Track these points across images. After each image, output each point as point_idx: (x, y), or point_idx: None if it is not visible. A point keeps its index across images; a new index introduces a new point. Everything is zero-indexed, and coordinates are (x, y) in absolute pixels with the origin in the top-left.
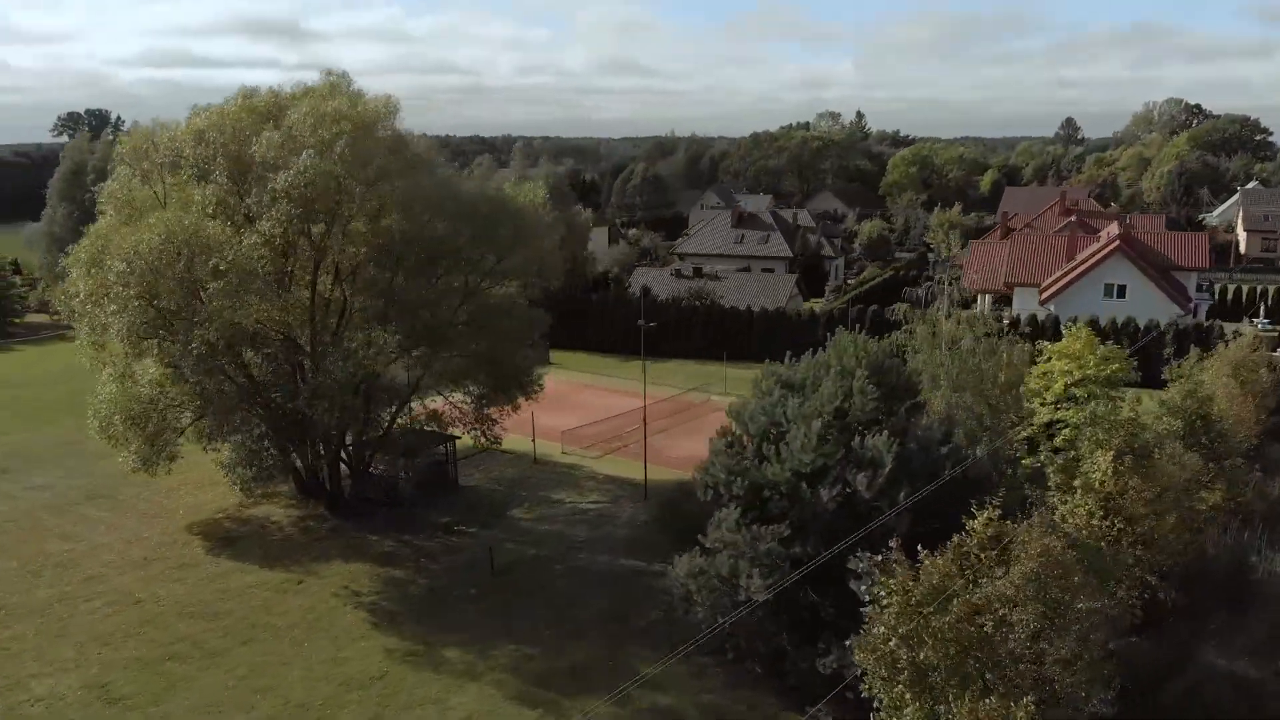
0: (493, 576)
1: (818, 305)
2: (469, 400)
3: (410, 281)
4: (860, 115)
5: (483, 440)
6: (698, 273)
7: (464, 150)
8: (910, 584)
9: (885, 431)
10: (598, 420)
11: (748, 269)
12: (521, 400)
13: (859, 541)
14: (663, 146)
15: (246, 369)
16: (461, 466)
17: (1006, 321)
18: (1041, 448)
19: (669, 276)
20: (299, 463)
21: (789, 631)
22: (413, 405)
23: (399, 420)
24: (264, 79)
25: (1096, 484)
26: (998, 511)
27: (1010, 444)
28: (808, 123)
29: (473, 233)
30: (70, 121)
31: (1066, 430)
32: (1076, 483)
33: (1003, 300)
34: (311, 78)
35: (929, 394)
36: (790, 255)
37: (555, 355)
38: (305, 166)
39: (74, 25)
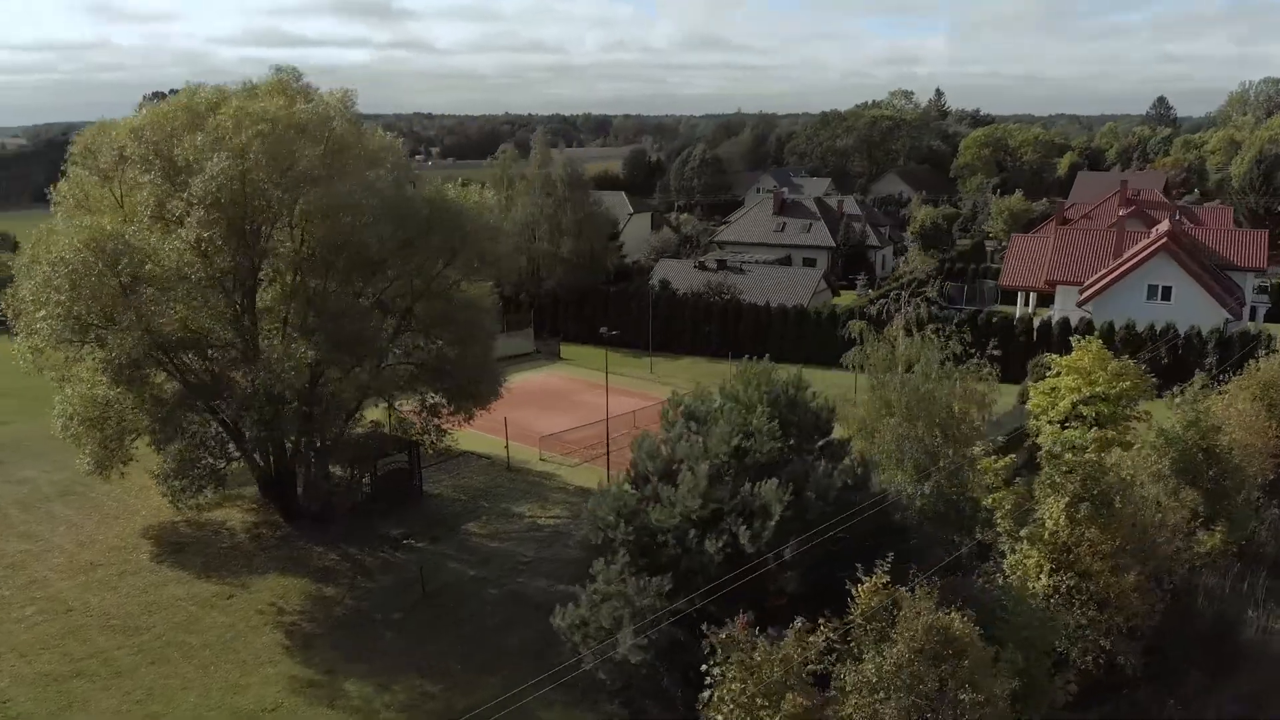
0: (422, 599)
1: (851, 300)
2: (420, 409)
3: (342, 289)
4: (939, 93)
5: (430, 448)
6: (721, 265)
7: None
8: (749, 668)
9: (780, 477)
10: (589, 423)
11: (787, 259)
12: (476, 411)
13: (745, 599)
14: (729, 126)
15: (184, 375)
16: (431, 473)
17: (1037, 323)
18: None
19: (691, 268)
20: (261, 465)
21: (682, 689)
22: (362, 413)
23: (357, 427)
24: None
25: (1045, 534)
26: (886, 577)
27: (969, 478)
28: (879, 101)
29: (407, 237)
30: (155, 100)
31: (1070, 453)
32: (1023, 531)
33: (1047, 300)
34: (401, 56)
35: (882, 422)
36: (833, 245)
37: (567, 350)
38: (215, 172)
39: (177, 5)
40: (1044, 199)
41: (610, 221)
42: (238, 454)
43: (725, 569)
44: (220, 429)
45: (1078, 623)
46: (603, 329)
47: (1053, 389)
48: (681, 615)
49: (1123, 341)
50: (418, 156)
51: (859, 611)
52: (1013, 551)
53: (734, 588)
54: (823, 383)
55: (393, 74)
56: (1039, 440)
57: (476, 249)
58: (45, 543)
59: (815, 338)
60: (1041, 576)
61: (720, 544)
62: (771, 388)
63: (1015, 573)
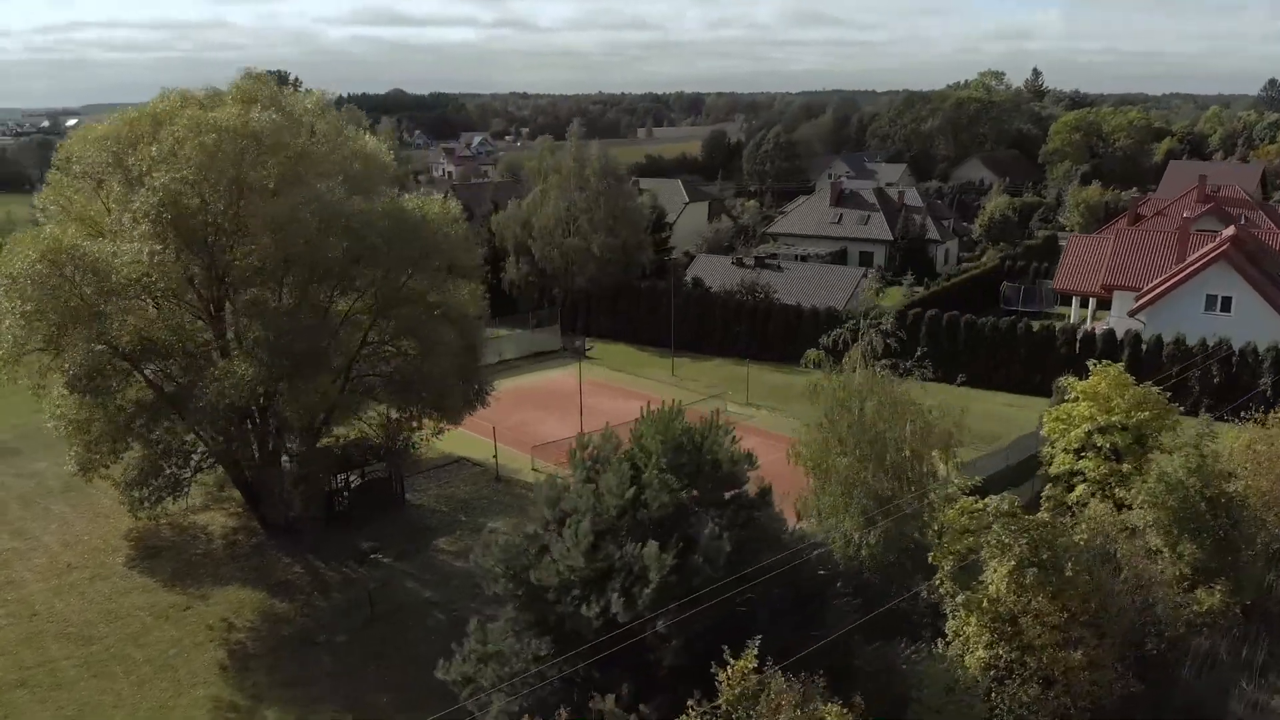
0: (370, 622)
1: (896, 299)
2: (385, 423)
3: (298, 304)
4: (1036, 73)
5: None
6: (759, 262)
7: (636, 109)
8: None
9: (674, 536)
10: (597, 429)
11: (842, 253)
12: (447, 425)
13: (628, 668)
14: (810, 108)
15: (152, 384)
16: (419, 481)
17: (1080, 335)
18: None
19: (729, 265)
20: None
21: None
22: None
23: (344, 437)
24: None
25: (984, 602)
26: (754, 660)
27: (929, 525)
28: (969, 81)
29: (358, 251)
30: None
31: (1082, 486)
32: (959, 599)
33: (1104, 307)
34: (504, 35)
35: (833, 460)
36: (890, 238)
37: (598, 349)
38: (158, 185)
39: None
40: (1134, 189)
41: (646, 216)
42: (208, 463)
43: (605, 634)
44: (195, 438)
45: (1019, 702)
46: (578, 341)
47: (1065, 416)
48: (565, 680)
49: (1170, 357)
50: (508, 137)
51: (724, 699)
52: (954, 616)
53: (614, 654)
54: None
55: (495, 53)
56: (1050, 470)
57: (445, 259)
58: (34, 541)
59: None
60: (978, 648)
61: (599, 608)
62: (669, 434)
63: (955, 641)
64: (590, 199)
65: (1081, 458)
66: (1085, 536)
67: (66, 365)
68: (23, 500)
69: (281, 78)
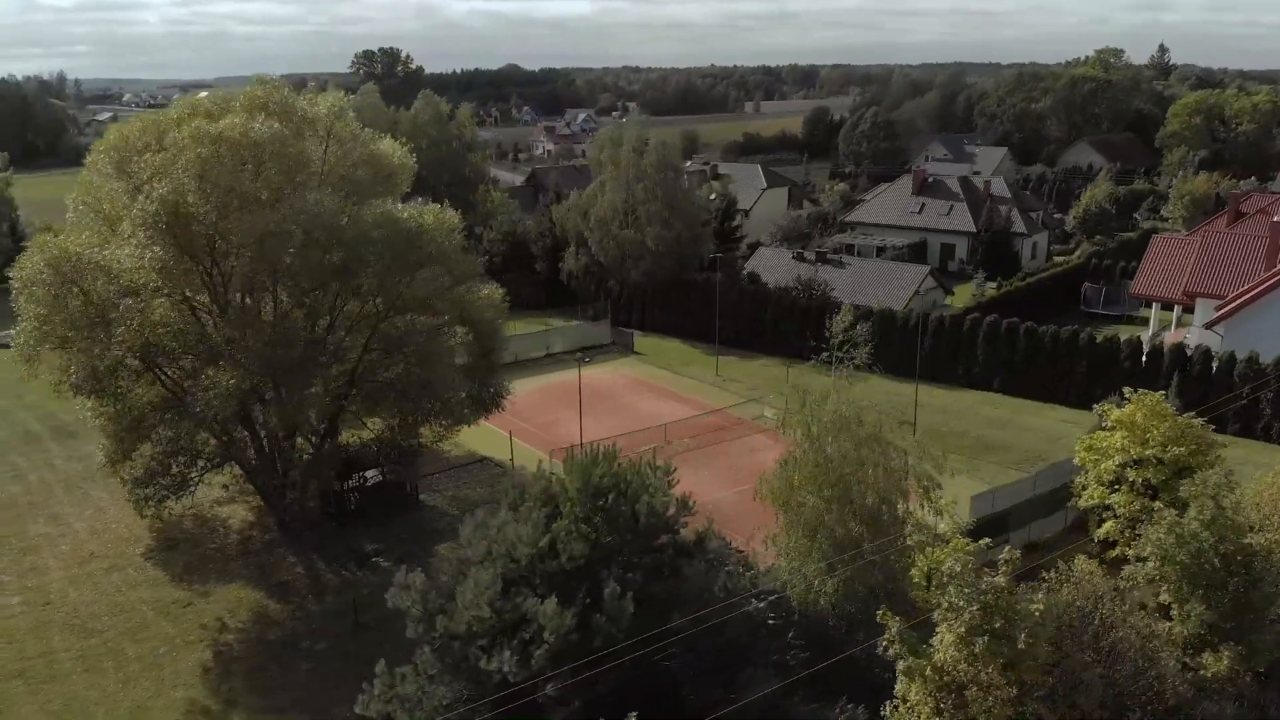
0: (353, 631)
1: (966, 299)
2: (382, 431)
3: (289, 313)
4: (1162, 49)
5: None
6: (820, 257)
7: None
8: None
9: (581, 591)
10: (623, 432)
11: (922, 244)
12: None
13: None
14: (917, 85)
15: (166, 385)
16: (437, 480)
17: (1147, 348)
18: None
19: (789, 259)
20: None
21: None
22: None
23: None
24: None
25: (928, 670)
26: None
27: (899, 572)
28: (1086, 58)
29: (353, 261)
30: (365, 59)
31: (1111, 523)
32: (900, 666)
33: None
34: (618, 8)
35: (801, 501)
36: (973, 230)
37: (643, 343)
38: (155, 196)
39: None
40: (1251, 179)
41: (705, 207)
42: (216, 462)
43: (505, 689)
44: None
45: None
46: (578, 354)
47: (1097, 446)
48: None
49: (1241, 376)
50: (614, 113)
51: None
52: (900, 680)
53: (519, 709)
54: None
55: (610, 26)
56: (1079, 503)
57: (443, 269)
58: (65, 527)
59: (898, 346)
60: (922, 718)
61: (494, 664)
62: (593, 480)
63: (901, 707)
64: (647, 190)
65: (1115, 490)
66: (1056, 601)
67: (70, 368)
68: (66, 484)
69: (393, 56)
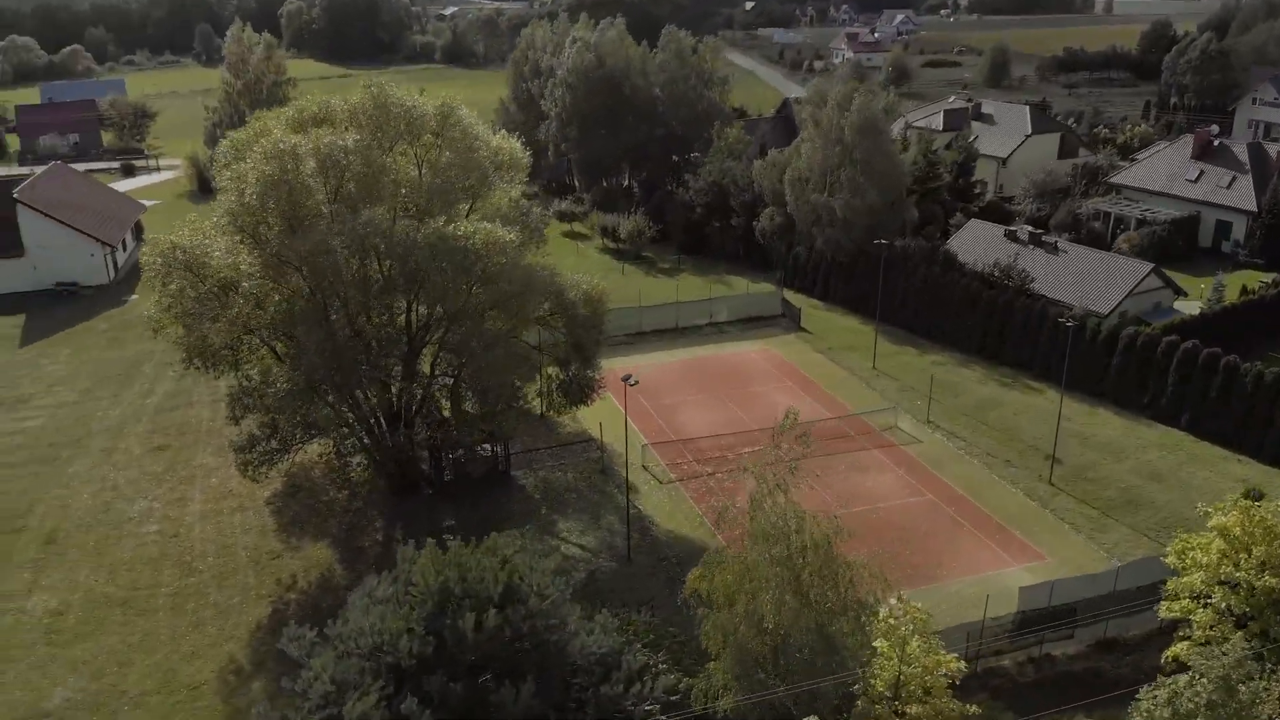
0: None
1: (1201, 303)
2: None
3: (351, 317)
4: None
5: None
6: (1034, 239)
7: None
8: None
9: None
10: (734, 430)
11: (1195, 217)
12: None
13: None
14: (1273, 6)
15: (279, 358)
16: (541, 456)
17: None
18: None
19: (1000, 235)
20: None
21: None
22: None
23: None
24: None
25: None
26: None
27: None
28: None
29: (407, 274)
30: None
31: (1183, 644)
32: None
33: None
34: None
35: (726, 599)
36: (1254, 210)
37: (813, 318)
38: (221, 210)
39: None
40: None
41: (907, 173)
42: (312, 435)
43: None
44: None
45: None
46: (624, 376)
47: (1186, 549)
48: None
49: None
50: (943, 11)
51: None
52: None
53: None
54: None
55: None
56: (1160, 611)
57: (496, 286)
58: (221, 461)
59: (1086, 358)
60: None
61: None
62: (434, 582)
63: None
64: (843, 153)
65: (1208, 603)
66: None
67: (179, 345)
68: None
69: None
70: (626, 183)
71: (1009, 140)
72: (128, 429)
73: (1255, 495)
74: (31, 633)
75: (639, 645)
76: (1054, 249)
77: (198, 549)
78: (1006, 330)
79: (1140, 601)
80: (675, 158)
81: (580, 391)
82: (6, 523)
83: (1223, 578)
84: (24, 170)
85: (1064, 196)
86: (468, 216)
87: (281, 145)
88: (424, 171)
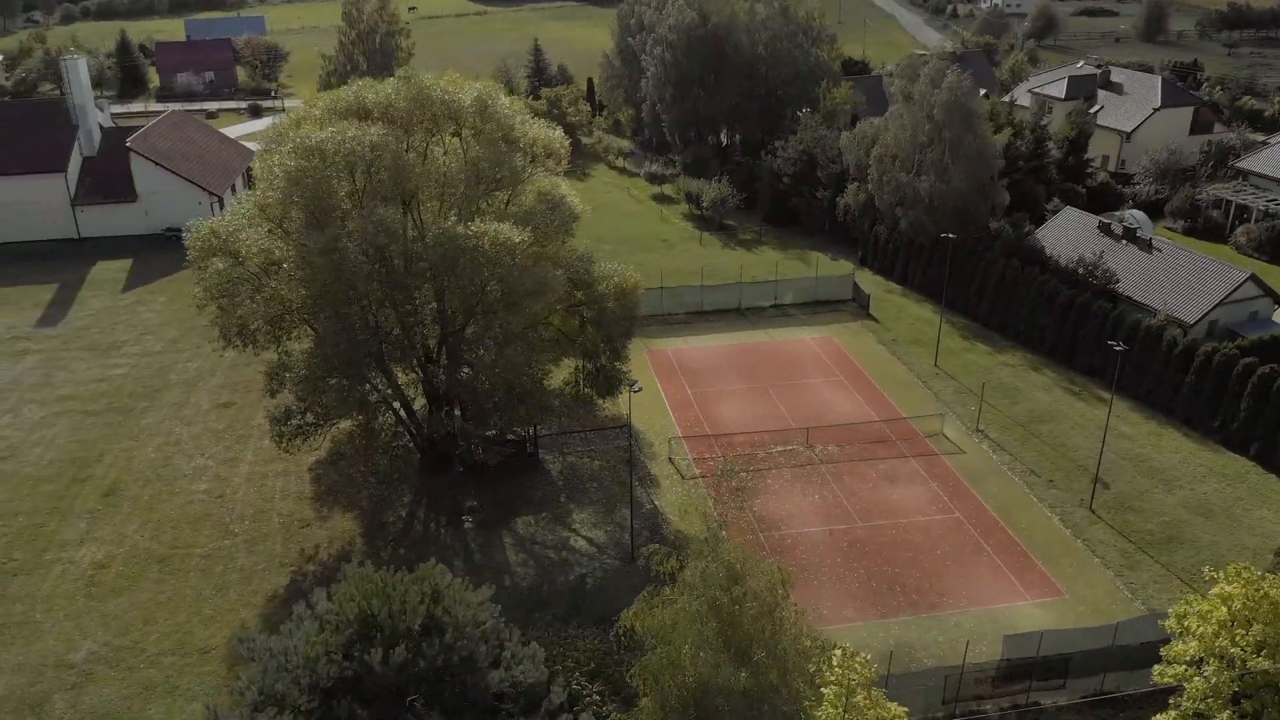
0: None
1: None
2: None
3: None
4: None
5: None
6: (1128, 234)
7: None
8: None
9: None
10: (773, 429)
11: None
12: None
13: None
14: None
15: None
16: (572, 440)
17: None
18: None
19: (1094, 227)
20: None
21: None
22: None
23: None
24: None
25: None
26: None
27: None
28: None
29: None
30: None
31: (1172, 714)
32: None
33: None
34: None
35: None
36: None
37: (891, 303)
38: (248, 202)
39: None
40: None
41: (997, 156)
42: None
43: None
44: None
45: None
46: (631, 383)
47: (1184, 614)
48: None
49: None
50: None
51: None
52: None
53: None
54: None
55: None
56: (1155, 675)
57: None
58: None
59: (1160, 372)
60: None
61: None
62: (351, 611)
63: None
64: (933, 132)
65: (1202, 670)
66: None
67: (221, 326)
68: None
69: None
70: (726, 143)
71: (1136, 113)
72: (201, 383)
73: None
74: (75, 583)
75: (577, 674)
76: (1148, 246)
77: (237, 511)
78: (1081, 333)
79: (1141, 656)
80: (775, 118)
81: (608, 383)
82: (77, 471)
83: (1218, 651)
84: (159, 108)
85: (1187, 179)
86: (507, 206)
87: (307, 141)
88: (452, 164)
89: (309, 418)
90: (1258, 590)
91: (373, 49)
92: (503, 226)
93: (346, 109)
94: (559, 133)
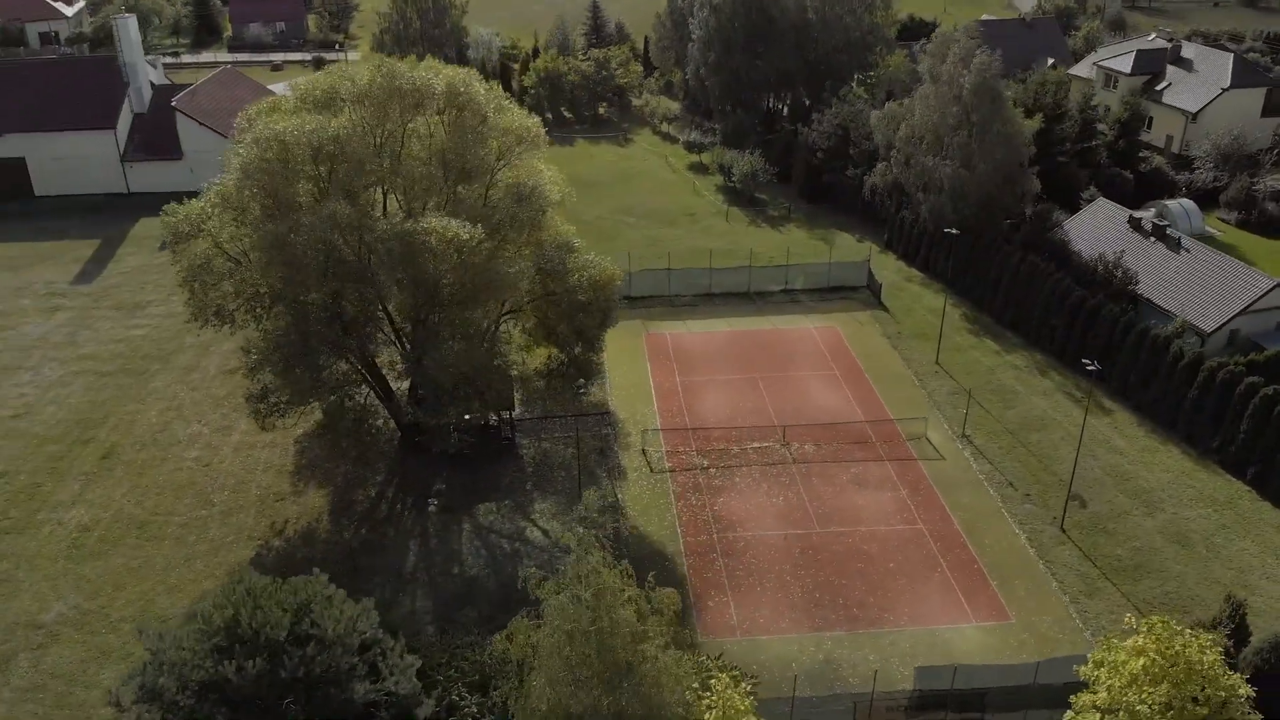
0: (350, 579)
1: None
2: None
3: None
4: None
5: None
6: (1157, 232)
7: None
8: None
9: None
10: (751, 425)
11: None
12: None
13: None
14: None
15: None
16: (551, 425)
17: None
18: None
19: (1123, 222)
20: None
21: None
22: None
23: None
24: None
25: None
26: None
27: None
28: None
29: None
30: None
31: None
32: None
33: None
34: None
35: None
36: None
37: (908, 292)
38: (212, 192)
39: None
40: None
41: (1026, 142)
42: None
43: None
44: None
45: None
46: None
47: (1101, 663)
48: None
49: None
50: None
51: None
52: None
53: None
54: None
55: None
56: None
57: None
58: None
59: (1163, 384)
60: None
61: None
62: (218, 620)
63: None
64: (960, 116)
65: None
66: None
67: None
68: None
69: None
70: (778, 110)
71: (1204, 92)
72: (214, 347)
73: (1235, 603)
74: (59, 545)
75: (459, 685)
76: (1176, 246)
77: (220, 481)
78: (1090, 336)
79: (1063, 696)
80: (823, 88)
81: (580, 374)
82: (81, 432)
83: (1125, 706)
84: (228, 59)
85: (1252, 166)
86: (487, 196)
87: (267, 132)
88: (422, 154)
89: (284, 396)
90: (1169, 648)
91: (425, 6)
92: (451, 223)
93: (321, 97)
94: (534, 120)
